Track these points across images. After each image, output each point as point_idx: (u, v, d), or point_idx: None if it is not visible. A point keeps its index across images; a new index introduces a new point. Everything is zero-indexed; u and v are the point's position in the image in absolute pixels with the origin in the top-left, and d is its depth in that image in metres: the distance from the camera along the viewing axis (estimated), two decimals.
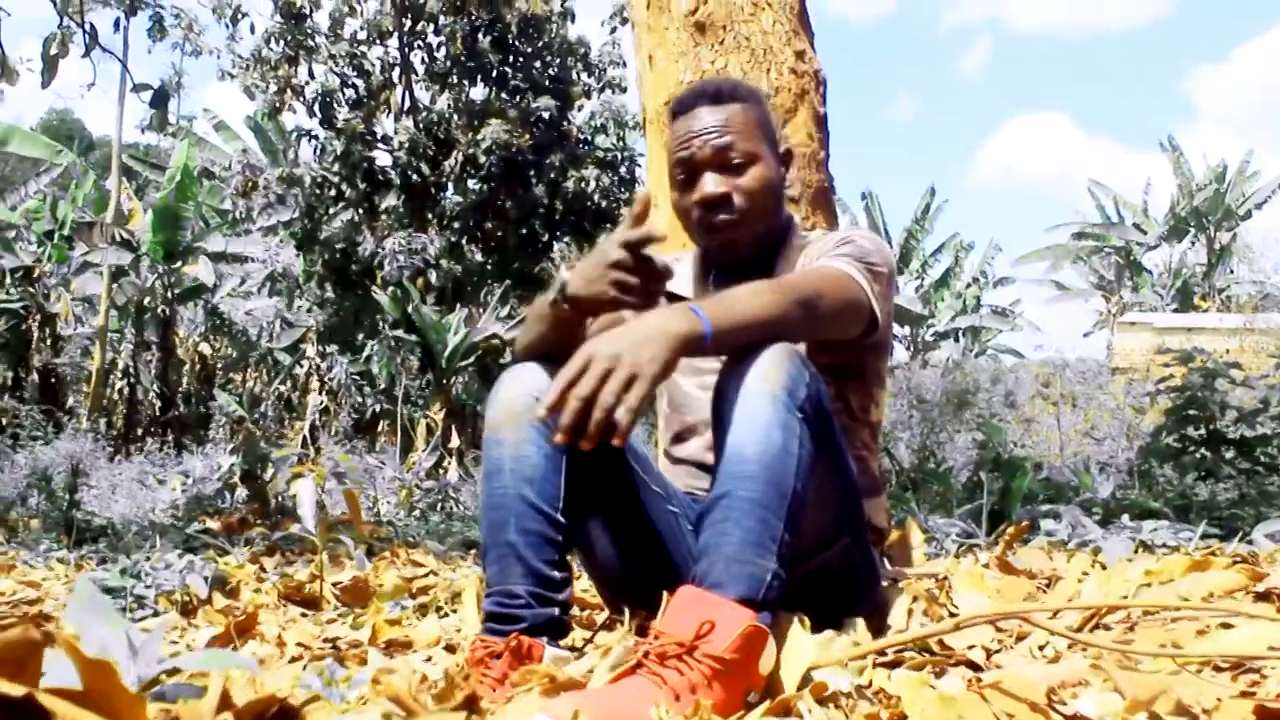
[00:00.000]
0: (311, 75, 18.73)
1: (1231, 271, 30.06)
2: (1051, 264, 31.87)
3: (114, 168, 19.59)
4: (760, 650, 1.49)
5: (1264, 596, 1.98)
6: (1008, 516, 4.20)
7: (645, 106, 3.33)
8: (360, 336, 18.97)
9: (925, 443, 8.35)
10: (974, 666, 1.73)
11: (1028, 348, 28.09)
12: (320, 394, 17.29)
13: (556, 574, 1.79)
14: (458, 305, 17.24)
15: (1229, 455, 5.36)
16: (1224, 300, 27.42)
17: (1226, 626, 1.73)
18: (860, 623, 1.81)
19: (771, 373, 1.62)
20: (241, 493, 7.71)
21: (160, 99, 11.47)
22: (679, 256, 2.30)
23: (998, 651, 1.84)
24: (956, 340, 32.55)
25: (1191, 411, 5.46)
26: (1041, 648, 1.83)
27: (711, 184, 1.99)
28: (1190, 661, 1.59)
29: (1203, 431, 5.45)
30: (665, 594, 1.57)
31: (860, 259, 1.92)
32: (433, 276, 17.94)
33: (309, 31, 18.49)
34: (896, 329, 33.68)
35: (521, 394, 1.83)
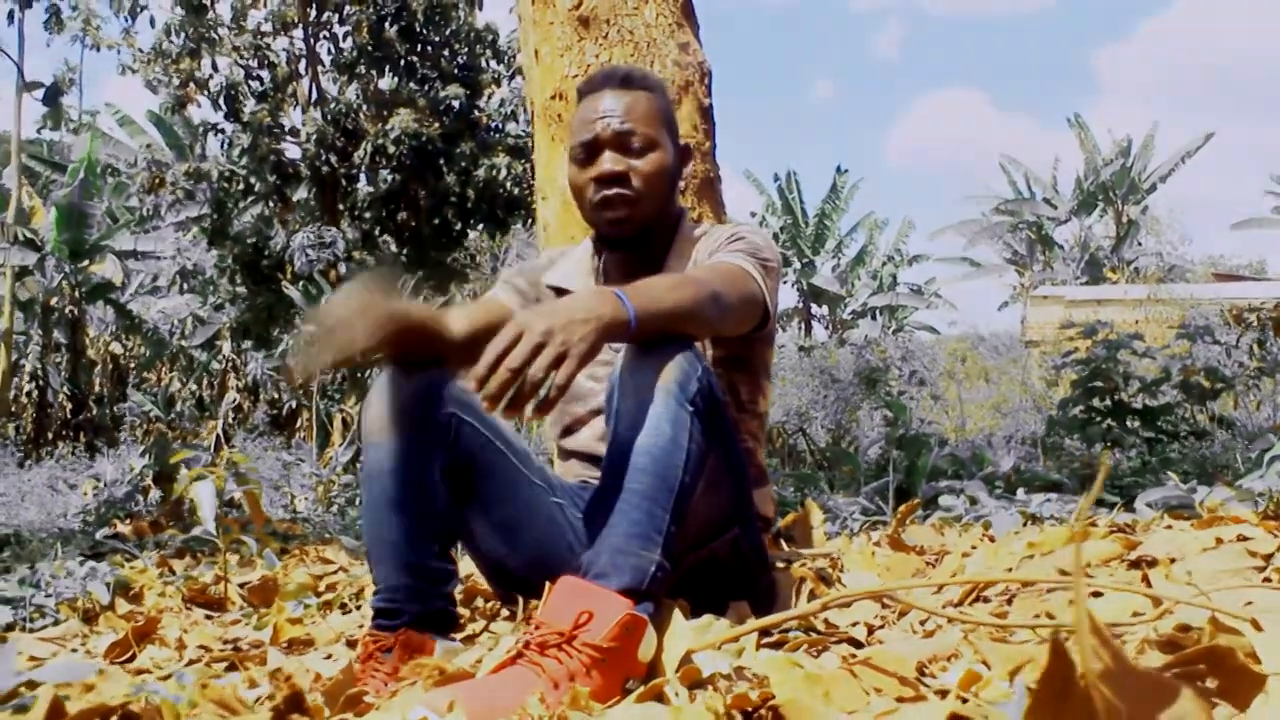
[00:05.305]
0: (215, 68, 18.43)
1: (1140, 244, 30.72)
2: (968, 240, 32.31)
3: (14, 164, 19.13)
4: (639, 639, 1.52)
5: (1136, 564, 2.05)
6: (914, 493, 4.26)
7: (532, 101, 3.34)
8: (275, 331, 18.74)
9: (839, 422, 8.45)
10: (855, 643, 1.77)
11: (944, 324, 28.50)
12: (238, 391, 17.03)
13: (440, 568, 1.82)
14: None
15: (1133, 425, 5.50)
16: (1133, 272, 27.99)
17: (1097, 595, 1.79)
18: (744, 606, 1.84)
19: (664, 365, 1.65)
20: (155, 495, 7.59)
21: (53, 95, 11.23)
22: (565, 251, 2.33)
23: (881, 627, 1.88)
24: (874, 319, 32.90)
25: (1096, 383, 5.58)
26: (923, 622, 1.87)
27: (610, 161, 2.03)
28: (1059, 630, 1.65)
29: (1108, 402, 5.57)
30: (548, 584, 1.60)
31: (753, 254, 1.98)
32: (343, 269, 17.76)
33: (210, 24, 18.16)
34: (816, 309, 34.03)
35: (395, 397, 1.84)
